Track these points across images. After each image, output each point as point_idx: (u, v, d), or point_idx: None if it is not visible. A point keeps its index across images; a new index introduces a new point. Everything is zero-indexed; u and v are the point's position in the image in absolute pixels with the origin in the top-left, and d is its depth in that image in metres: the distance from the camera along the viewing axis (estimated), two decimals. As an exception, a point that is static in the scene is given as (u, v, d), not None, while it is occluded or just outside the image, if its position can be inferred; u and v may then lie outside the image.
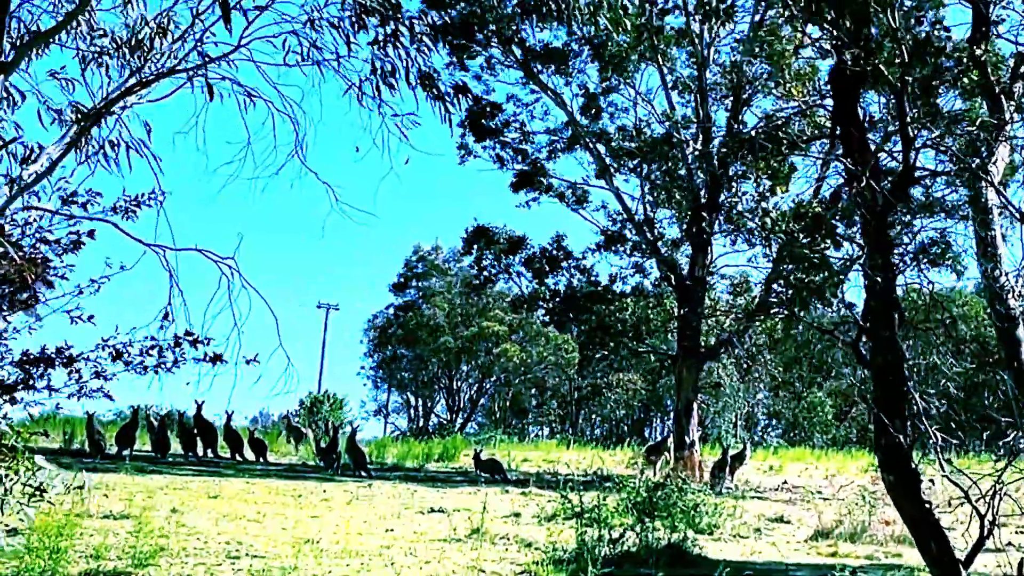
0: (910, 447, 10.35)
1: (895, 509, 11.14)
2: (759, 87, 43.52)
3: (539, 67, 45.91)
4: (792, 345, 73.08)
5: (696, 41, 43.84)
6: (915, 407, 10.59)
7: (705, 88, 44.15)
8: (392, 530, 23.13)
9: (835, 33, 10.69)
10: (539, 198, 47.34)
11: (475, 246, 48.58)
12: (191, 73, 10.58)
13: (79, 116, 10.23)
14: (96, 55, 10.85)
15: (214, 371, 10.10)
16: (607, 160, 46.28)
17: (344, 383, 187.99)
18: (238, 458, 40.54)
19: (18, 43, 10.47)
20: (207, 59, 10.51)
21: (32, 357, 10.40)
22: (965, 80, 12.83)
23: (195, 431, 40.52)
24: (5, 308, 10.82)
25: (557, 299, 47.59)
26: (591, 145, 46.03)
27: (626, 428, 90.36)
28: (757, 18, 43.11)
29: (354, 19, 10.86)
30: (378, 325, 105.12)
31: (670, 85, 45.36)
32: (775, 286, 42.96)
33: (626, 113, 46.72)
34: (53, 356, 10.36)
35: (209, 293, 9.76)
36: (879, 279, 10.24)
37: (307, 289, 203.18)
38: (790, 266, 33.59)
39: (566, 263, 47.47)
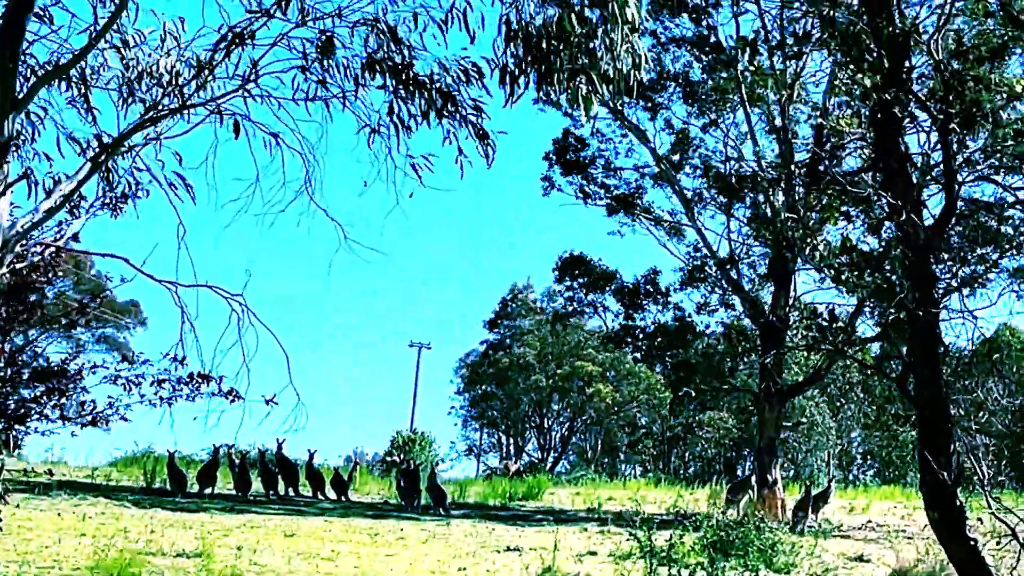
0: (955, 484, 10.19)
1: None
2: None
3: (624, 100, 45.99)
4: (884, 383, 72.20)
5: (778, 80, 43.66)
6: (961, 443, 10.45)
7: (788, 126, 43.92)
8: (464, 569, 23.14)
9: (874, 64, 10.63)
10: (633, 225, 47.27)
11: (566, 275, 48.53)
12: (210, 108, 10.69)
13: (95, 150, 10.37)
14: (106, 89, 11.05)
15: (224, 407, 10.16)
16: (691, 197, 46.23)
17: (435, 422, 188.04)
18: (320, 496, 40.67)
19: (31, 79, 10.65)
20: (216, 96, 10.63)
21: (43, 370, 10.52)
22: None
23: (276, 469, 40.68)
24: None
25: (643, 336, 47.43)
26: (675, 182, 46.02)
27: (719, 467, 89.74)
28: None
29: (361, 70, 10.96)
30: (469, 363, 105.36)
31: (755, 123, 45.21)
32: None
33: (714, 152, 46.70)
34: (58, 368, 10.48)
35: (233, 329, 9.84)
36: (921, 314, 10.11)
37: (400, 327, 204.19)
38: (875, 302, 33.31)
39: (658, 297, 47.29)
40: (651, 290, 47.32)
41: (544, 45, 11.16)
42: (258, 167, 11.14)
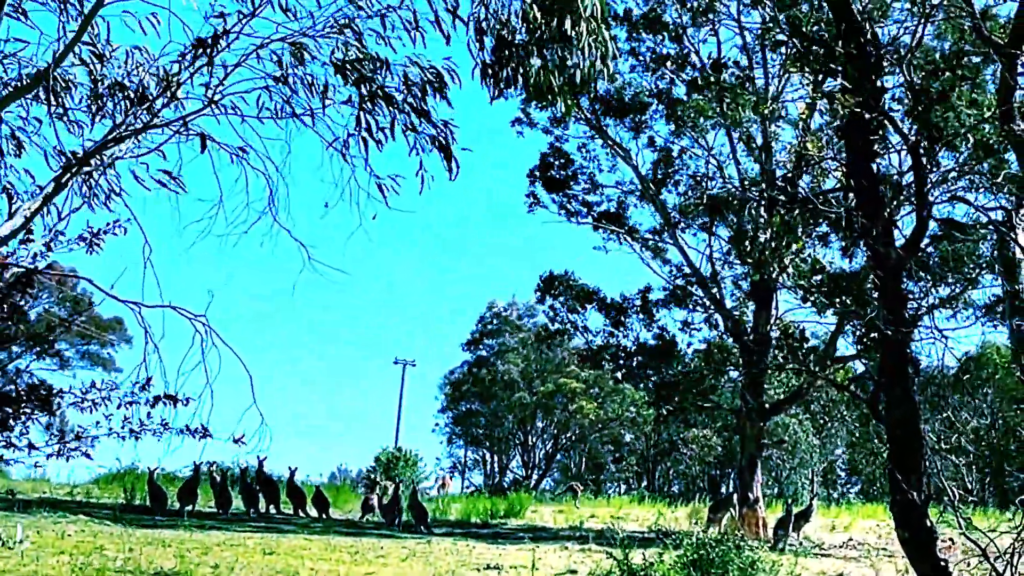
0: (924, 504, 10.21)
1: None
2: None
3: (608, 122, 46.20)
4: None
5: (758, 101, 43.80)
6: (930, 463, 10.48)
7: (770, 144, 44.06)
8: (442, 587, 23.10)
9: (846, 85, 10.67)
10: (617, 242, 47.44)
11: (548, 294, 48.56)
12: (176, 127, 10.70)
13: (64, 166, 10.37)
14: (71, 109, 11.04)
15: (186, 425, 10.17)
16: (673, 216, 46.34)
17: (420, 439, 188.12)
18: (301, 514, 40.60)
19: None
20: (184, 116, 10.65)
21: (5, 395, 10.47)
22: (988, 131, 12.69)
23: (257, 487, 40.61)
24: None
25: (623, 354, 47.46)
26: (657, 200, 46.14)
27: (702, 484, 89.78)
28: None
29: (328, 81, 11.00)
30: (453, 381, 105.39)
31: (736, 140, 45.34)
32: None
33: (694, 170, 46.87)
34: (25, 394, 10.44)
35: (197, 349, 9.85)
36: (891, 334, 10.14)
37: (386, 345, 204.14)
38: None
39: (642, 316, 47.32)
40: (638, 306, 47.36)
41: (513, 40, 11.22)
42: (222, 187, 11.16)
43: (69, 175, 10.32)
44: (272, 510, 40.58)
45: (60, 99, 11.16)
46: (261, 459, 39.69)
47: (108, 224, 10.72)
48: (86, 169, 10.46)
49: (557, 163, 47.55)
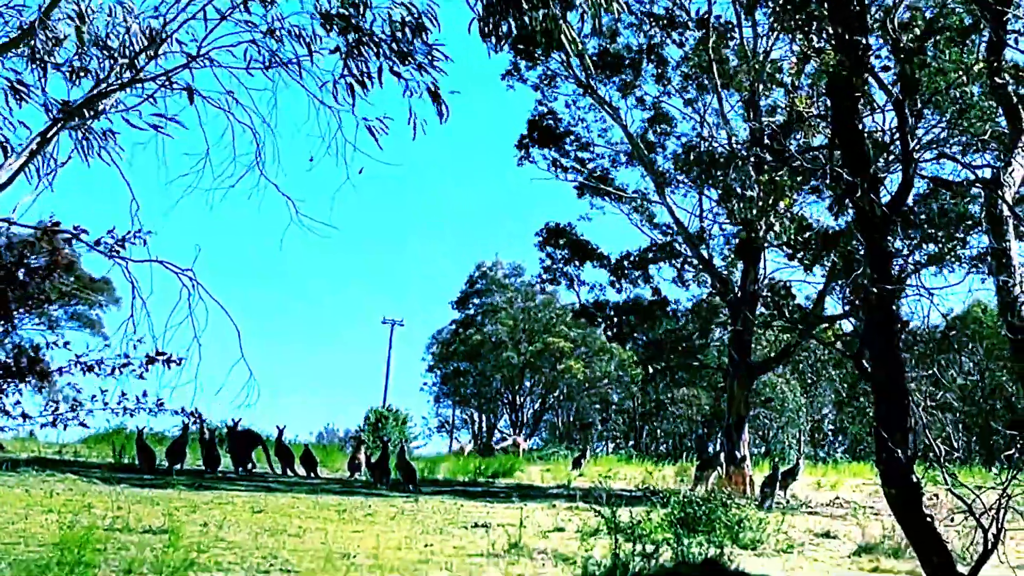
0: (911, 461, 10.24)
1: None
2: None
3: (597, 81, 46.11)
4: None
5: (749, 57, 43.69)
6: (917, 420, 10.50)
7: (759, 104, 43.94)
8: (431, 545, 23.09)
9: (832, 42, 10.65)
10: (603, 207, 47.55)
11: (549, 244, 48.53)
12: (162, 81, 10.64)
13: (53, 120, 10.31)
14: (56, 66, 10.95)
15: (174, 382, 10.13)
16: (668, 174, 46.35)
17: (408, 398, 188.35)
18: (289, 473, 40.63)
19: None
20: (169, 70, 10.58)
21: (5, 366, 10.43)
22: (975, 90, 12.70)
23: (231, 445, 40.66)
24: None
25: (614, 312, 47.54)
26: (647, 160, 46.07)
27: (690, 443, 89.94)
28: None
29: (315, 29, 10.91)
30: (441, 340, 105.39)
31: (726, 101, 45.28)
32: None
33: (685, 129, 46.85)
34: (25, 367, 10.41)
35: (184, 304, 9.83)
36: (877, 291, 10.15)
37: (375, 304, 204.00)
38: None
39: (638, 272, 47.40)
40: (636, 262, 47.43)
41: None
42: (209, 142, 11.10)
43: (56, 129, 10.29)
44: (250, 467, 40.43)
45: (51, 54, 11.10)
46: (236, 421, 39.90)
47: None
48: (78, 120, 10.42)
49: (547, 121, 47.49)
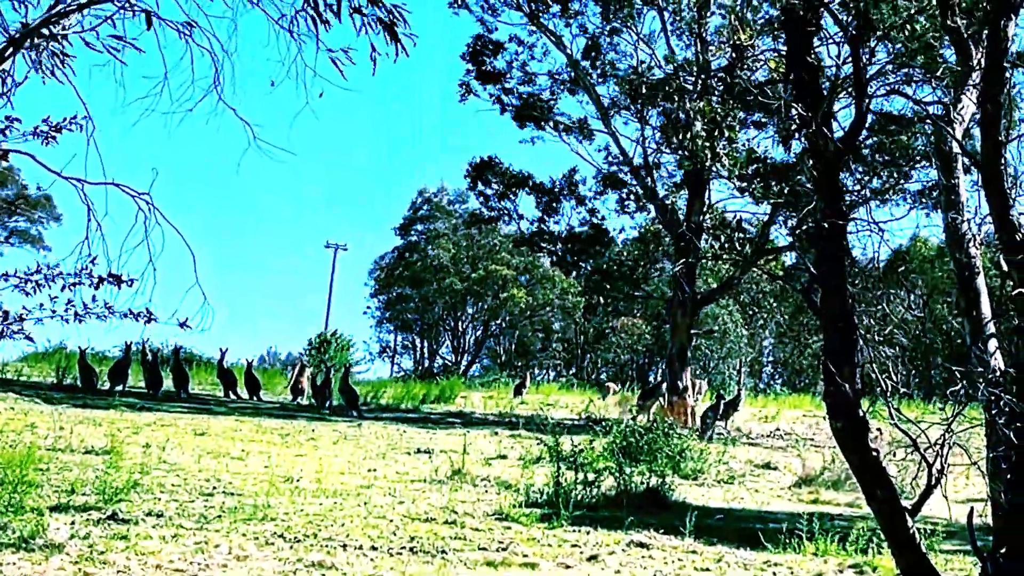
0: (858, 395, 10.29)
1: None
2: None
3: (539, 7, 45.72)
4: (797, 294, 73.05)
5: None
6: (865, 354, 10.55)
7: (704, 33, 43.77)
8: (374, 470, 23.18)
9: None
10: (543, 136, 47.25)
11: (479, 180, 48.23)
12: (120, 3, 10.46)
13: (7, 41, 10.13)
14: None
15: (128, 306, 10.02)
16: (607, 103, 46.13)
17: (351, 323, 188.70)
18: (232, 396, 40.51)
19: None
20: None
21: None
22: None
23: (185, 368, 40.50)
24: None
25: (557, 240, 47.47)
26: (591, 88, 45.83)
27: (632, 372, 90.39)
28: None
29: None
30: (384, 266, 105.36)
31: (671, 29, 45.05)
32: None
33: (627, 57, 46.50)
34: None
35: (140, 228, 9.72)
36: (828, 226, 10.16)
37: (319, 229, 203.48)
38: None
39: (572, 200, 47.28)
40: (569, 191, 47.29)
41: None
42: (167, 65, 10.94)
43: (10, 51, 10.11)
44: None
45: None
46: (178, 347, 39.86)
47: (65, 119, 10.46)
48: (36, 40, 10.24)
49: (488, 50, 47.04)
